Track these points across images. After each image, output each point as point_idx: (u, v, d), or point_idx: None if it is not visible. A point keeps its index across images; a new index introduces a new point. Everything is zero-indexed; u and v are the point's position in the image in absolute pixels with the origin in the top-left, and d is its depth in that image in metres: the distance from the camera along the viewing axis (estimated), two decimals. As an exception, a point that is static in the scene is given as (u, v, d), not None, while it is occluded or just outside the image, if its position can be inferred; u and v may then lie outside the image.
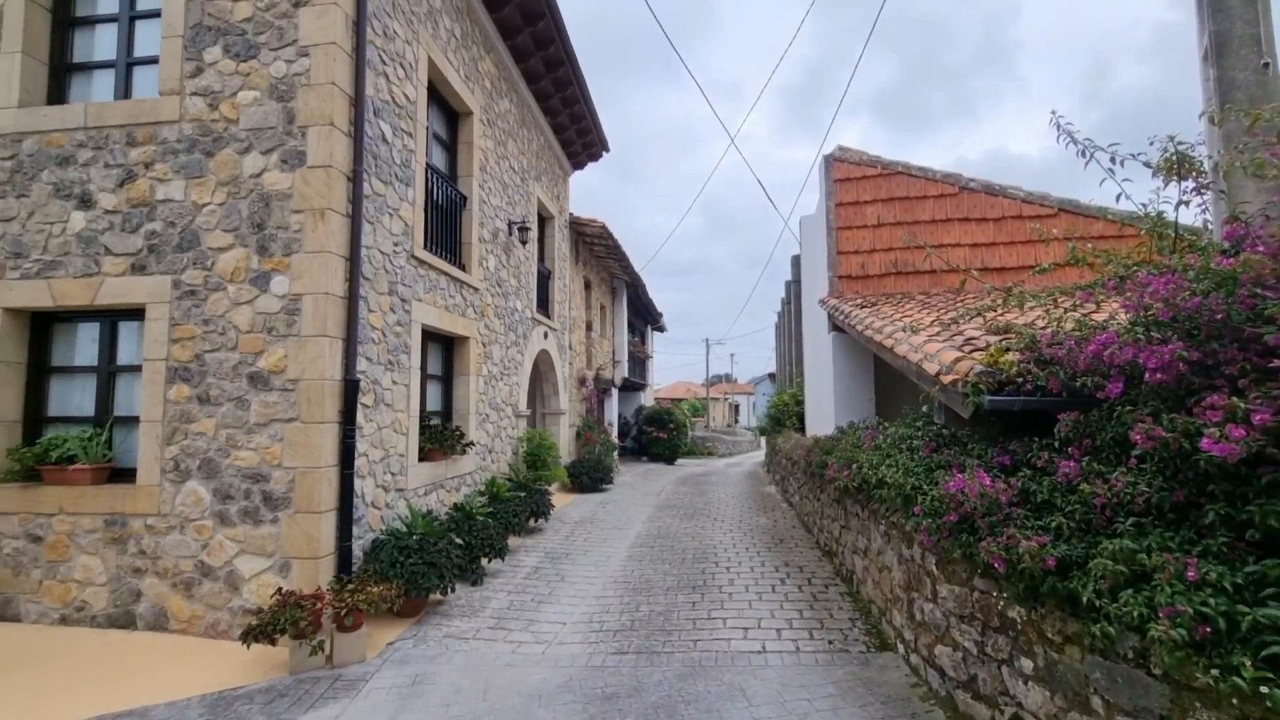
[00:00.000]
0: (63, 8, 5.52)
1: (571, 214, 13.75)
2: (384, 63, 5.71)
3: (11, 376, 5.06)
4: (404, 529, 5.36)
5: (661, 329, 28.53)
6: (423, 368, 6.55)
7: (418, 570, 4.90)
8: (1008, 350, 3.64)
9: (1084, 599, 2.36)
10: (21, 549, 4.82)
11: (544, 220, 11.93)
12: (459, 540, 5.52)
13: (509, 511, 7.10)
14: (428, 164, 6.67)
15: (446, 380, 7.53)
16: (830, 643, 4.50)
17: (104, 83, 5.50)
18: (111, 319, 5.19)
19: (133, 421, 5.06)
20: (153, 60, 5.32)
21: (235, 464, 4.71)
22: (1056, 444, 3.07)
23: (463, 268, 7.60)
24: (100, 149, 5.08)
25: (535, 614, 5.23)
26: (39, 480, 4.86)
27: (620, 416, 20.13)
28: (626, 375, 19.70)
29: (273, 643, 4.02)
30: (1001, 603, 2.97)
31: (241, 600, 4.59)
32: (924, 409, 4.44)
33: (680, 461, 21.13)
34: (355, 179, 5.10)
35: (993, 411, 3.41)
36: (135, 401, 5.10)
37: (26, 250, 5.05)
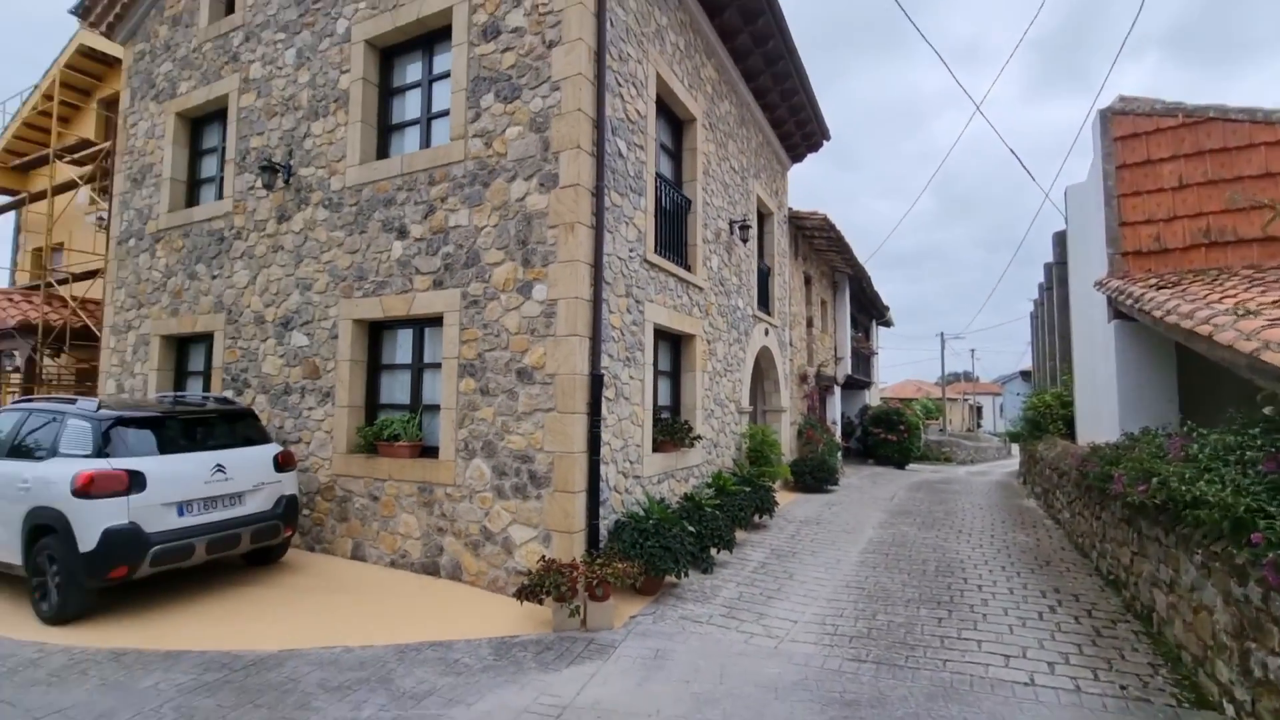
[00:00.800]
0: (386, 82, 7.00)
1: (790, 208, 13.49)
2: (619, 84, 6.22)
3: (359, 372, 6.58)
4: (641, 513, 5.79)
5: (888, 323, 26.55)
6: (654, 364, 6.98)
7: (655, 552, 5.25)
8: None
9: None
10: (366, 505, 6.25)
11: (763, 217, 11.89)
12: (691, 528, 5.78)
13: (735, 505, 7.23)
14: (656, 173, 7.10)
15: (674, 376, 7.93)
16: (1123, 688, 3.79)
17: (412, 137, 6.85)
18: (419, 326, 6.45)
19: (434, 409, 6.23)
20: (444, 113, 6.49)
21: (508, 446, 5.54)
22: None
23: (688, 268, 7.93)
24: (411, 190, 6.35)
25: (765, 608, 5.27)
26: (375, 453, 6.25)
27: (843, 416, 19.19)
28: (850, 372, 18.72)
29: (540, 602, 4.65)
30: (1406, 670, 2.23)
31: (514, 563, 5.38)
32: (1265, 411, 3.50)
33: (911, 466, 19.44)
34: (598, 194, 5.65)
35: (1386, 416, 2.57)
36: (436, 392, 6.28)
37: (366, 274, 6.52)
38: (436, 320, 6.19)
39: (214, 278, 7.68)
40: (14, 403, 6.01)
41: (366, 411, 6.64)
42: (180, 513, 4.92)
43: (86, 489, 4.53)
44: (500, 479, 5.54)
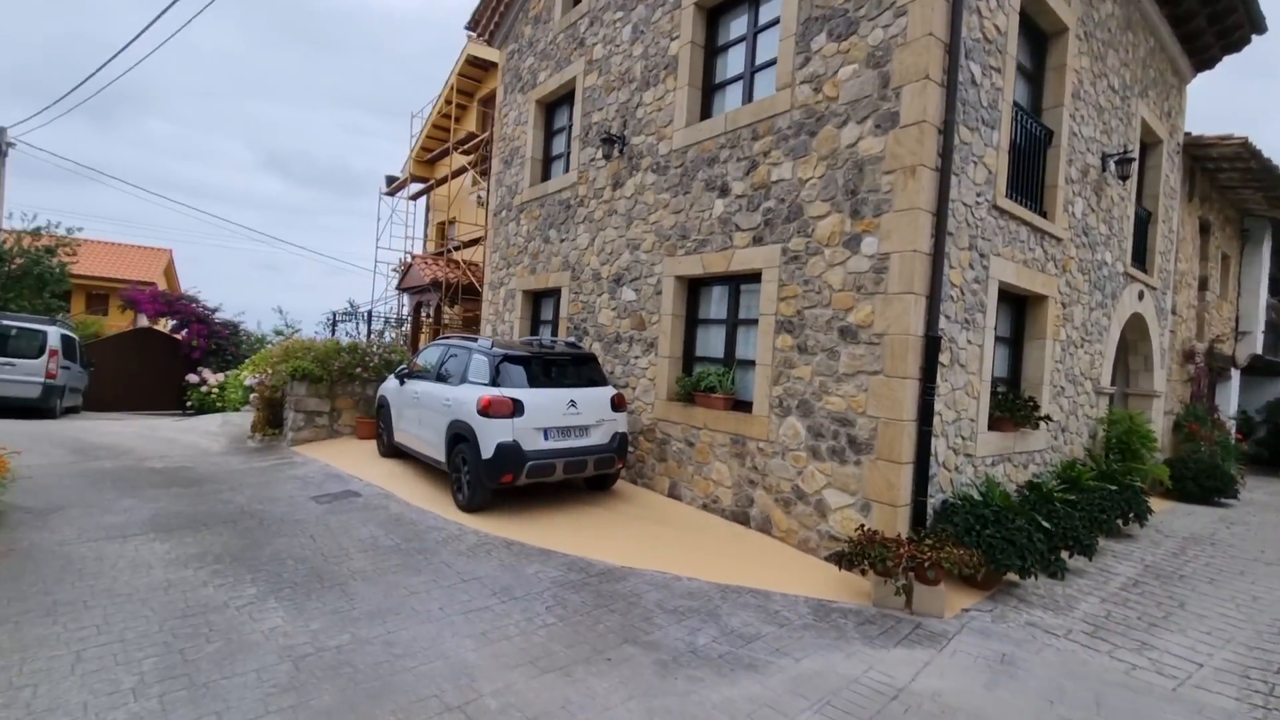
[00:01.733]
0: (710, 42, 7.14)
1: (1187, 133, 10.30)
2: (976, -2, 5.30)
3: (678, 326, 7.04)
4: (978, 497, 5.11)
5: (1332, 287, 18.93)
6: (994, 328, 6.02)
7: (995, 544, 4.59)
8: None
9: None
10: (682, 450, 6.73)
11: (1145, 147, 9.28)
12: (1045, 524, 4.91)
13: (1093, 504, 5.95)
14: (1013, 101, 5.95)
15: (1015, 344, 6.76)
16: None
17: (733, 94, 6.89)
18: (735, 282, 6.58)
19: (748, 364, 6.35)
20: (769, 64, 6.35)
21: (825, 407, 5.35)
22: None
23: (1045, 215, 6.59)
24: (734, 147, 6.42)
25: (1147, 637, 4.24)
26: (692, 402, 6.64)
27: (1239, 409, 14.45)
28: (1258, 352, 13.92)
29: (862, 573, 4.44)
30: None
31: (827, 526, 5.24)
32: None
33: (1364, 489, 13.79)
34: (946, 130, 4.95)
35: None
36: (750, 348, 6.37)
37: (688, 233, 6.86)
38: (754, 277, 6.22)
39: (562, 241, 8.93)
40: (434, 341, 7.88)
41: (684, 363, 7.08)
42: (545, 437, 5.90)
43: (486, 410, 5.71)
44: (816, 440, 5.40)
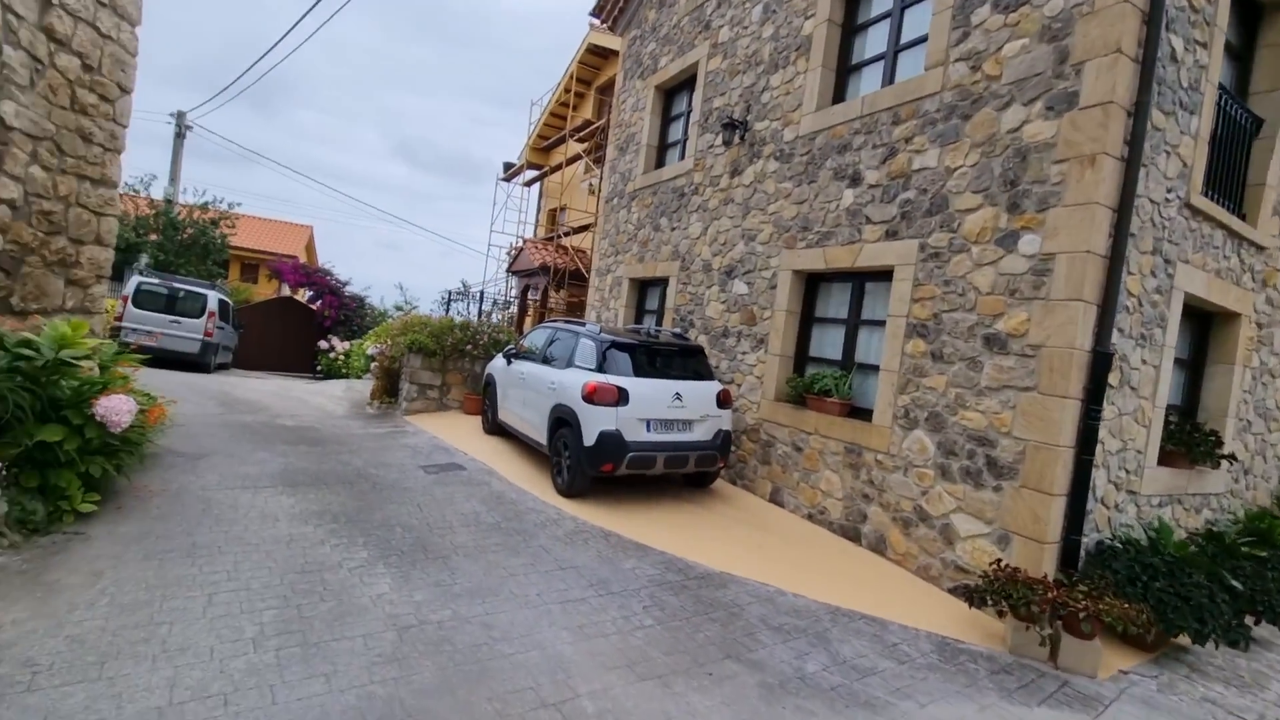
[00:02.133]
0: (849, 20, 6.63)
1: None
2: (1185, -42, 4.50)
3: (792, 323, 6.64)
4: (1144, 542, 4.39)
5: None
6: (1174, 348, 5.17)
7: (1167, 600, 3.91)
8: None
9: None
10: (788, 454, 6.35)
11: (1379, 142, 7.70)
12: (1234, 583, 4.14)
13: (1288, 564, 4.98)
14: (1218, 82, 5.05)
15: (1194, 368, 5.81)
16: None
17: (871, 76, 6.36)
18: (861, 279, 6.09)
19: (869, 368, 5.86)
20: (917, 42, 5.78)
21: (961, 423, 4.80)
22: None
23: (1244, 218, 5.59)
24: (870, 133, 5.92)
25: (1371, 738, 3.44)
26: (803, 405, 6.24)
27: None
28: None
29: (1000, 614, 3.92)
30: None
31: (953, 555, 4.72)
32: None
33: None
34: (1137, 113, 4.24)
35: None
36: (872, 351, 5.88)
37: (811, 224, 6.43)
38: (883, 274, 5.72)
39: (673, 229, 8.73)
40: (542, 324, 7.94)
41: (795, 362, 6.68)
42: (648, 428, 5.74)
43: (591, 396, 5.63)
44: (946, 458, 4.87)
